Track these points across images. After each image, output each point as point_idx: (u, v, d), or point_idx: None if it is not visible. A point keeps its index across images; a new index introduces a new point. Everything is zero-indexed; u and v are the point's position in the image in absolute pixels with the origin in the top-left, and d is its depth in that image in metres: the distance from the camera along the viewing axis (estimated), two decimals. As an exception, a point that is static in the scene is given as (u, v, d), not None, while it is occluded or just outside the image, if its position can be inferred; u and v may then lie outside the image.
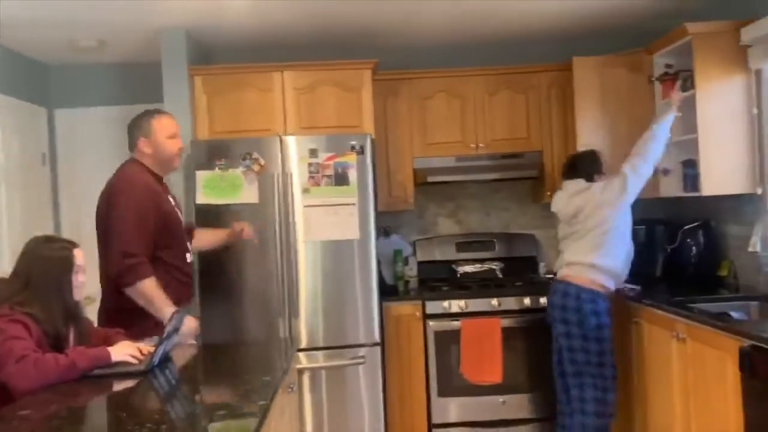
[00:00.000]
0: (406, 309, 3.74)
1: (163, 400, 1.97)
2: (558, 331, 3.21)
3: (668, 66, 3.60)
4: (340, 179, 3.48)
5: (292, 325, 3.48)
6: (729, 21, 3.25)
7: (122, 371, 2.09)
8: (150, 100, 4.01)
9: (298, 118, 3.71)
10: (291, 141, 3.52)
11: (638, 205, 3.57)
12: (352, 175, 3.48)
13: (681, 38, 3.35)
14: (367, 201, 3.48)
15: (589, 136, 3.75)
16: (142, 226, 2.60)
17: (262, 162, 3.49)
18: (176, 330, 2.32)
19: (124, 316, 2.56)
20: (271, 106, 3.71)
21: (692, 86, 3.33)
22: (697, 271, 3.58)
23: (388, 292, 3.82)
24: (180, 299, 2.71)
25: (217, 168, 3.48)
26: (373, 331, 3.51)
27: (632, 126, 3.67)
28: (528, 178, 4.08)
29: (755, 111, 3.25)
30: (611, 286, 3.19)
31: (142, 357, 2.18)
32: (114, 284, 2.60)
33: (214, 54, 4.13)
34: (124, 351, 2.17)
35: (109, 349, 2.15)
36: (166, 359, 2.27)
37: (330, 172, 3.48)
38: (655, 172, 3.59)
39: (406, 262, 4.11)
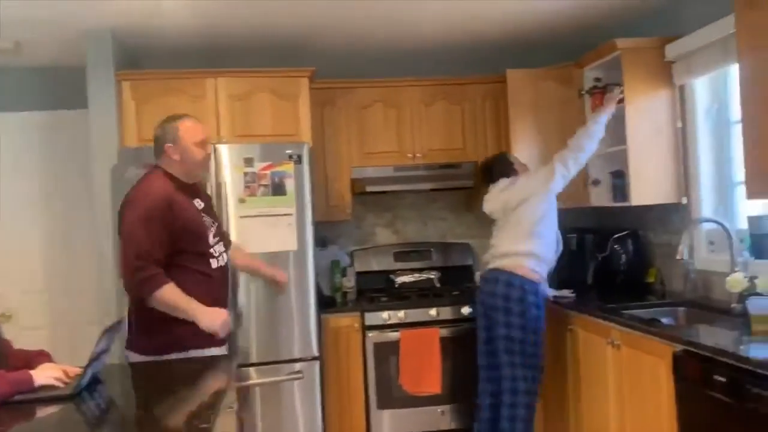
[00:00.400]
0: (344, 321, 3.68)
1: (94, 426, 1.84)
2: (496, 320, 3.20)
3: (597, 80, 3.71)
4: (277, 189, 3.39)
5: (228, 340, 3.34)
6: (655, 38, 3.38)
7: (47, 396, 1.94)
8: (74, 105, 3.84)
9: (232, 126, 3.60)
10: (225, 149, 3.40)
11: (569, 215, 3.68)
12: (290, 184, 3.40)
13: (610, 53, 3.46)
14: (305, 211, 3.41)
15: (522, 148, 3.82)
16: (151, 236, 2.52)
17: (195, 171, 3.36)
18: (106, 351, 2.18)
19: (165, 322, 2.52)
20: (204, 113, 3.57)
21: (621, 99, 3.44)
22: (626, 278, 3.70)
23: (326, 304, 3.75)
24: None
25: (146, 177, 3.33)
26: (311, 344, 3.42)
27: (564, 137, 3.73)
28: (464, 188, 4.11)
29: (679, 124, 3.40)
30: (544, 273, 3.26)
31: (68, 380, 2.04)
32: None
33: (143, 58, 3.95)
34: (47, 374, 2.03)
35: (31, 372, 2.00)
36: (94, 381, 2.12)
37: (266, 181, 3.38)
38: (585, 183, 3.70)
39: (344, 273, 4.05)
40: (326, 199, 3.92)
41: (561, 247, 3.35)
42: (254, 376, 3.37)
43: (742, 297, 2.75)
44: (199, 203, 2.76)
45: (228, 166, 3.39)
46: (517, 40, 4.04)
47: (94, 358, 2.07)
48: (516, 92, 3.85)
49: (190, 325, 2.52)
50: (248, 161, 3.40)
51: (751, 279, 2.72)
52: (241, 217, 3.36)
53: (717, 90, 3.29)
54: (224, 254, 2.80)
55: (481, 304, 3.32)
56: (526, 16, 3.61)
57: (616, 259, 3.72)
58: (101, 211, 3.50)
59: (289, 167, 3.41)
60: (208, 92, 3.59)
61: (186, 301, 2.52)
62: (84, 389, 2.02)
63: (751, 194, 2.47)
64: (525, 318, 3.15)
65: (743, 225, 3.10)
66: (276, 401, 3.38)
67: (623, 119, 3.39)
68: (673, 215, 3.51)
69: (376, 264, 4.20)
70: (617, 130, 3.50)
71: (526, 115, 3.86)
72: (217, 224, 2.81)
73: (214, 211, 2.89)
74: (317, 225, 3.56)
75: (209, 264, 2.69)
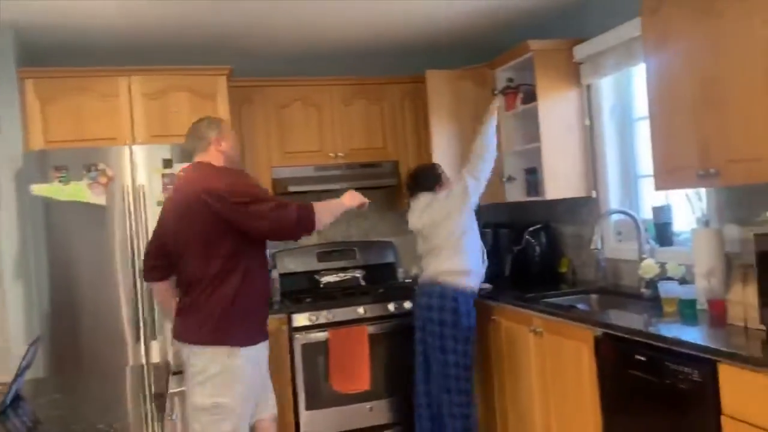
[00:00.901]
0: (271, 324, 3.56)
1: (24, 445, 1.73)
2: (429, 331, 3.27)
3: (510, 80, 3.87)
4: (199, 191, 3.30)
5: (149, 348, 3.23)
6: (564, 39, 3.56)
7: (-32, 417, 1.80)
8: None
9: (148, 126, 3.46)
10: (141, 150, 3.28)
11: (485, 211, 3.80)
12: (212, 185, 3.31)
13: (522, 54, 3.61)
14: (228, 213, 3.33)
15: (442, 145, 3.92)
16: (262, 188, 2.64)
17: (110, 173, 3.22)
18: (29, 366, 2.05)
19: (237, 319, 2.53)
20: (116, 112, 3.44)
21: (533, 99, 3.60)
22: (540, 269, 3.88)
23: (250, 306, 3.68)
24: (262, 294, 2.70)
25: (56, 180, 3.15)
26: (237, 348, 3.35)
27: (481, 135, 3.89)
28: (385, 187, 4.16)
29: (587, 122, 3.60)
30: (476, 287, 3.34)
31: (-11, 399, 1.90)
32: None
33: (52, 56, 3.69)
34: (-35, 393, 1.88)
35: (-52, 392, 1.85)
36: (16, 398, 1.99)
37: (187, 183, 3.29)
38: (501, 180, 3.85)
39: (267, 275, 3.98)
40: (247, 200, 3.84)
41: (486, 260, 3.43)
42: (173, 386, 3.25)
43: (651, 282, 2.96)
44: None
45: (145, 168, 3.27)
46: (434, 42, 4.13)
47: (19, 374, 1.94)
48: (435, 92, 3.94)
49: (244, 323, 2.55)
50: (166, 162, 3.31)
51: (661, 265, 2.93)
52: (162, 220, 3.24)
53: (620, 89, 3.51)
54: None
55: (419, 317, 3.35)
56: (442, 17, 3.69)
57: (530, 251, 3.89)
58: (6, 220, 3.27)
59: (210, 168, 3.32)
60: (122, 91, 3.43)
61: (332, 204, 2.69)
62: (8, 407, 1.89)
63: (659, 186, 2.66)
64: (457, 328, 3.22)
65: (647, 215, 3.33)
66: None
67: (536, 118, 3.55)
68: (583, 208, 3.72)
69: (299, 265, 4.17)
70: (530, 128, 3.67)
71: (444, 114, 3.95)
72: None
73: None
74: (240, 226, 3.48)
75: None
